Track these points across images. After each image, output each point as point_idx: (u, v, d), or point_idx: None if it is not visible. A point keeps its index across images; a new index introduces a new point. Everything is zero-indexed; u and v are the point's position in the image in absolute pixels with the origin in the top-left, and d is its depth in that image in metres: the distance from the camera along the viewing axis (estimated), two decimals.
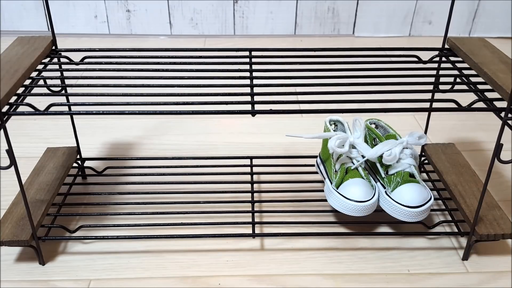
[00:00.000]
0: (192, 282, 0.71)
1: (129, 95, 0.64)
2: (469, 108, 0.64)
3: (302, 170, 0.91)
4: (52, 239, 0.77)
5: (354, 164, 0.79)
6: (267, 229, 0.80)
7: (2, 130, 0.60)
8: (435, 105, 0.66)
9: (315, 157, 0.90)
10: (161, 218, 0.79)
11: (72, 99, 0.82)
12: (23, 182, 0.70)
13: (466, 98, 0.66)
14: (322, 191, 0.82)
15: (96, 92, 0.65)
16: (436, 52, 0.78)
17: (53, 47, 0.77)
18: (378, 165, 0.80)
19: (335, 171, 0.79)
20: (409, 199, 0.73)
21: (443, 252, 0.76)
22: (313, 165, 0.90)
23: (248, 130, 1.10)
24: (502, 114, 0.62)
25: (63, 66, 0.75)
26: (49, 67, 0.74)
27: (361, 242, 0.78)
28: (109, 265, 0.74)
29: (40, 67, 0.72)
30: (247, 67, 0.73)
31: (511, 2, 1.58)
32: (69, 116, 0.90)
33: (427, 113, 0.91)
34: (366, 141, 0.82)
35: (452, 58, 0.77)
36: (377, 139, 0.82)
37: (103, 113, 0.64)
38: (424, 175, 0.91)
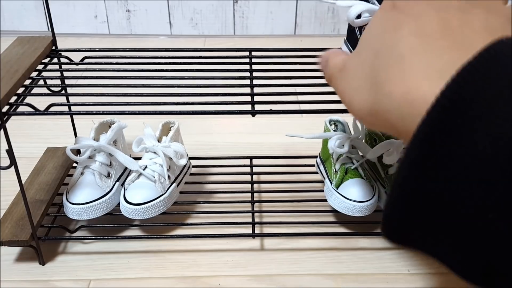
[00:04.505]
0: (192, 282, 0.71)
1: (129, 95, 0.64)
2: None
3: (302, 170, 0.91)
4: (52, 239, 0.77)
5: (354, 164, 0.79)
6: (267, 229, 0.80)
7: (2, 130, 0.60)
8: None
9: (315, 157, 0.90)
10: (160, 218, 0.79)
11: (72, 99, 0.82)
12: (23, 182, 0.70)
13: None
14: (322, 191, 0.82)
15: (96, 92, 0.65)
16: None
17: (53, 47, 0.77)
18: (378, 165, 0.80)
19: (335, 171, 0.79)
20: None
21: None
22: (313, 165, 0.90)
23: (248, 130, 1.10)
24: None
25: (63, 66, 0.75)
26: (49, 67, 0.74)
27: (361, 242, 0.78)
28: (109, 265, 0.74)
29: (40, 67, 0.72)
30: (247, 67, 0.73)
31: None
32: (69, 116, 0.90)
33: None
34: (366, 141, 0.82)
35: None
36: (377, 139, 0.82)
37: (103, 113, 0.64)
38: None
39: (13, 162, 0.62)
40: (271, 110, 0.63)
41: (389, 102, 0.24)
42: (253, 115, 0.63)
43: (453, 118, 0.20)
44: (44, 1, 1.53)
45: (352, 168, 0.78)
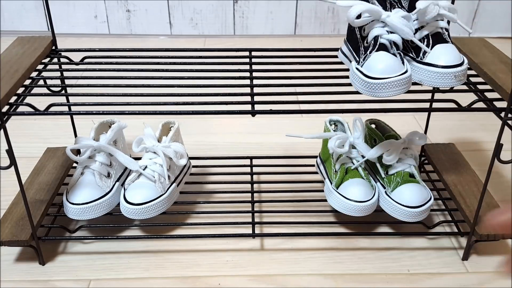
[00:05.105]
0: (192, 282, 0.71)
1: (129, 95, 0.64)
2: (469, 108, 0.64)
3: (302, 170, 0.91)
4: (52, 239, 0.77)
5: (354, 164, 0.79)
6: (267, 229, 0.80)
7: (2, 130, 0.60)
8: (435, 105, 0.66)
9: (315, 157, 0.90)
10: (160, 218, 0.79)
11: (72, 99, 0.82)
12: (23, 182, 0.70)
13: (466, 98, 0.66)
14: (322, 191, 0.82)
15: (96, 92, 0.65)
16: None
17: (53, 47, 0.77)
18: (378, 165, 0.80)
19: (335, 171, 0.79)
20: (409, 199, 0.73)
21: (443, 252, 0.76)
22: (313, 165, 0.90)
23: (248, 130, 1.10)
24: (502, 114, 0.62)
25: (63, 66, 0.75)
26: (49, 67, 0.74)
27: (361, 242, 0.78)
28: (109, 265, 0.74)
29: (40, 67, 0.72)
30: (247, 67, 0.73)
31: (511, 2, 1.57)
32: (69, 116, 0.90)
33: (427, 113, 0.91)
34: (366, 141, 0.82)
35: None
36: (377, 139, 0.82)
37: (103, 113, 0.64)
38: (424, 175, 0.91)
39: (13, 162, 0.62)
40: (271, 110, 0.63)
41: None
42: (253, 115, 0.63)
43: None
44: (44, 1, 1.53)
45: (352, 168, 0.78)
